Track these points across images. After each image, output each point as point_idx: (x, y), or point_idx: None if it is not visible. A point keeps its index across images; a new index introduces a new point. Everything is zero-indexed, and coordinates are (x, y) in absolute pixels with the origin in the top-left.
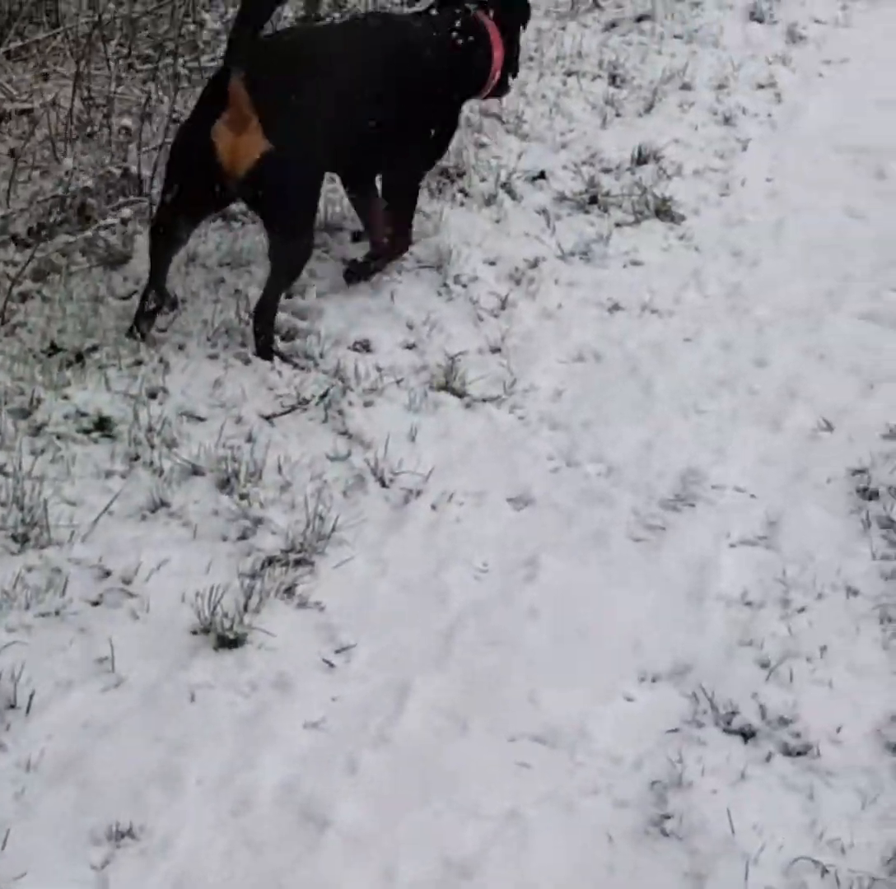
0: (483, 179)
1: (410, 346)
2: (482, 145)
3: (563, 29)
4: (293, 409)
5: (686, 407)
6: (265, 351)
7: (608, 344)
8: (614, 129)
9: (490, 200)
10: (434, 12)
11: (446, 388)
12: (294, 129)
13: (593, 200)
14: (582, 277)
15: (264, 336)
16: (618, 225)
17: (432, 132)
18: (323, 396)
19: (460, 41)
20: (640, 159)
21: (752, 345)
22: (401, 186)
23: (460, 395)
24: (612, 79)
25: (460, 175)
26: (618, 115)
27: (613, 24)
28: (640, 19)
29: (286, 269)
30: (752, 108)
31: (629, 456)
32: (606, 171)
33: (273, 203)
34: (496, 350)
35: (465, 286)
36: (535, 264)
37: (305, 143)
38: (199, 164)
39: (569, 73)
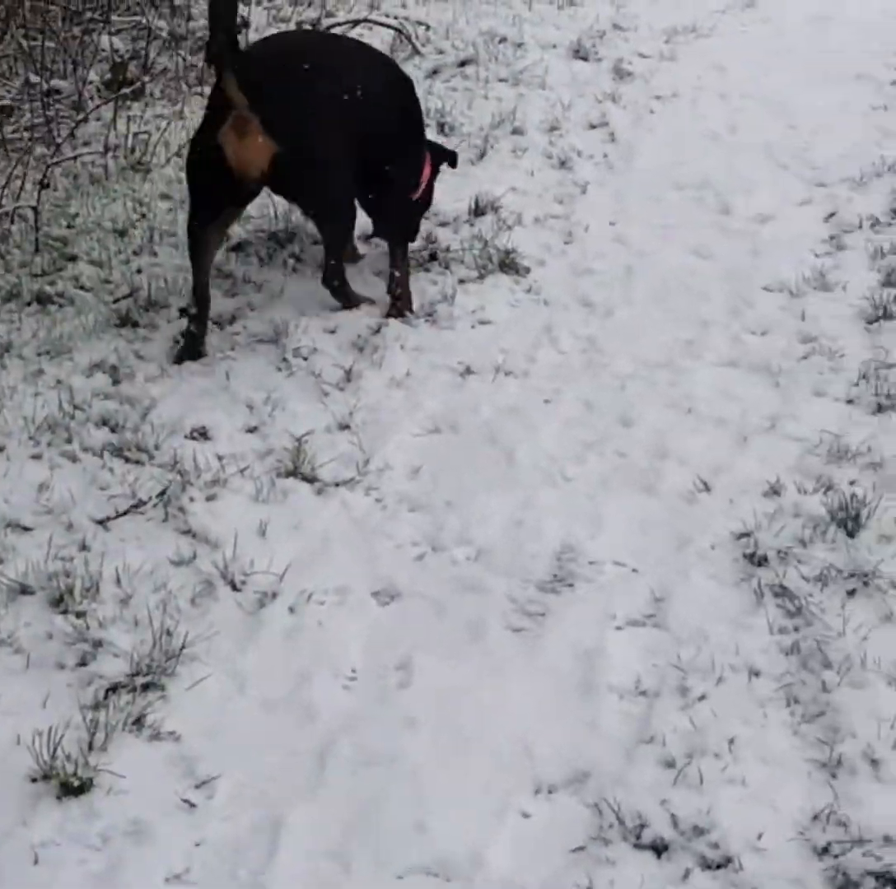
0: (315, 242)
1: (252, 430)
2: None
3: None
4: (129, 511)
5: (553, 475)
6: (350, 301)
7: (463, 411)
8: (448, 180)
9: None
10: None
11: (295, 473)
12: (297, 126)
13: (433, 257)
14: (429, 341)
15: (344, 296)
16: (462, 281)
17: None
18: (161, 494)
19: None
20: (478, 210)
21: (615, 402)
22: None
23: (311, 480)
24: (441, 127)
25: (291, 238)
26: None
27: (436, 71)
28: (463, 64)
29: (332, 241)
30: (586, 150)
31: (498, 535)
32: (444, 224)
33: (298, 197)
34: (345, 427)
35: (305, 359)
36: (377, 330)
37: (313, 135)
38: (214, 169)
39: None
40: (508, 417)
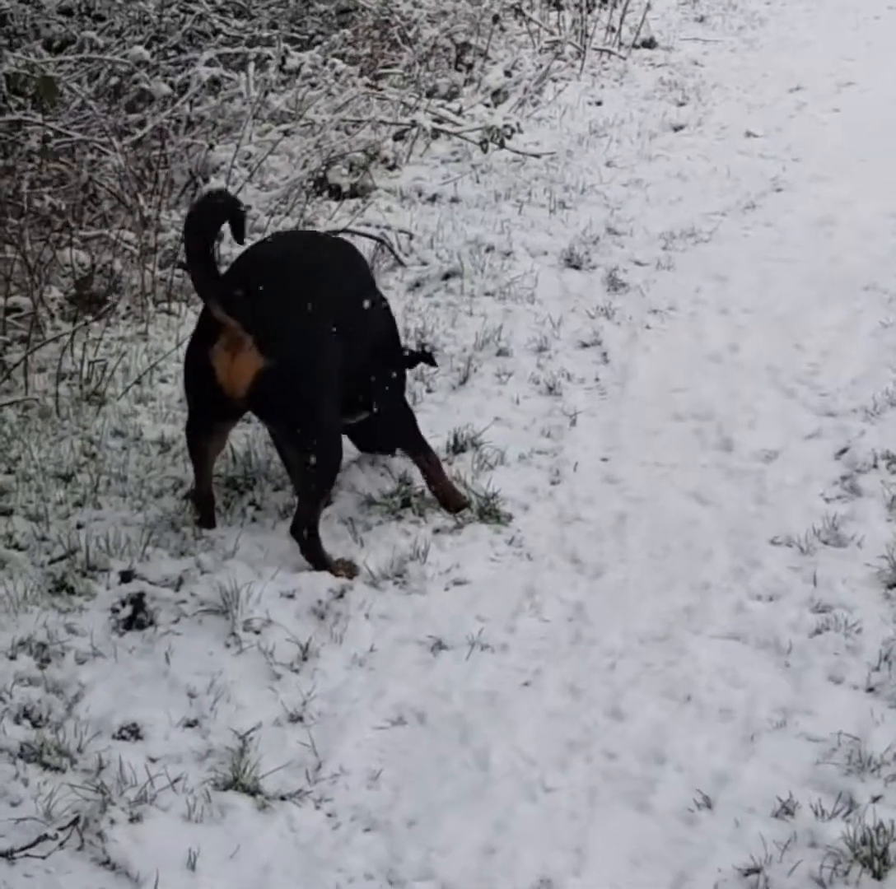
0: (278, 488)
1: (191, 724)
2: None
3: None
4: (38, 841)
5: (531, 785)
6: (318, 561)
7: (433, 698)
8: (426, 411)
9: (286, 512)
10: None
11: (235, 784)
12: (290, 341)
13: (406, 503)
14: (397, 607)
15: (312, 551)
16: (437, 531)
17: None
18: (74, 822)
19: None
20: (457, 446)
21: (604, 688)
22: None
23: (253, 792)
24: (421, 348)
25: (251, 484)
26: (429, 391)
27: (418, 284)
28: (447, 276)
29: (314, 478)
30: (577, 373)
31: (466, 868)
32: None
33: (281, 418)
34: (297, 719)
35: (258, 632)
36: (341, 594)
37: (305, 352)
38: (205, 385)
39: None
40: (483, 707)
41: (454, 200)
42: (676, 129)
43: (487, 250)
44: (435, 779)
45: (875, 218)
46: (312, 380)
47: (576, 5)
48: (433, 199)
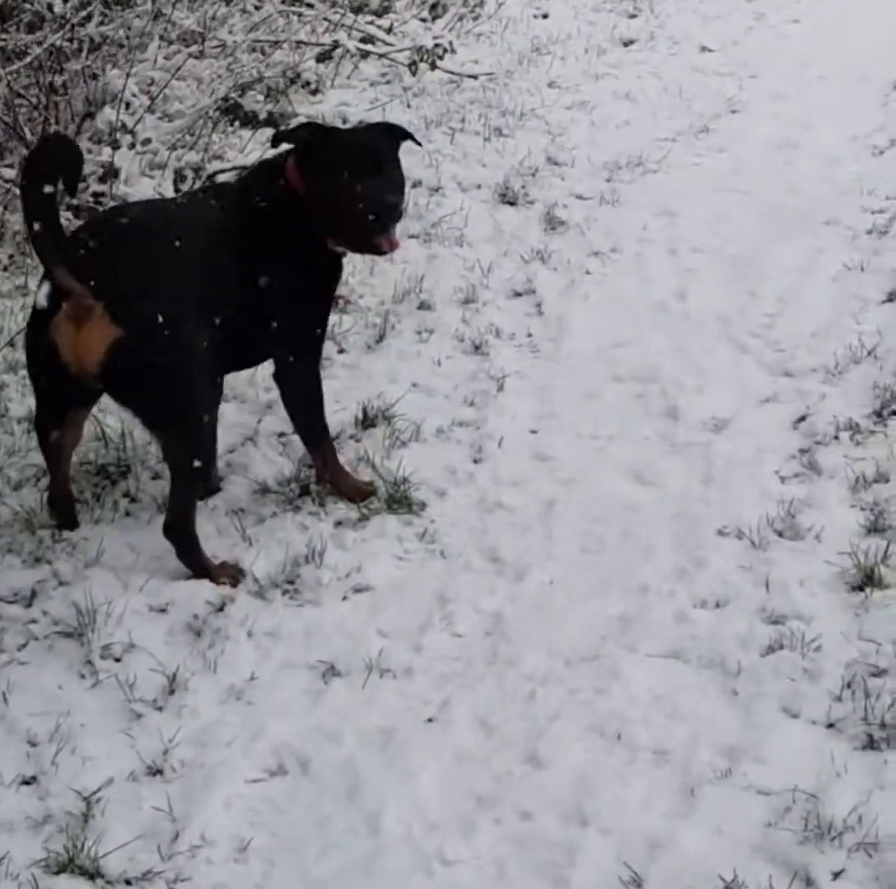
0: (156, 476)
1: (28, 781)
2: None
3: None
4: None
5: (428, 858)
6: (196, 566)
7: (319, 739)
8: (334, 376)
9: (165, 504)
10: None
11: (71, 865)
12: (148, 306)
13: (305, 490)
14: (286, 623)
15: (188, 555)
16: (339, 524)
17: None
18: None
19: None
20: (367, 421)
21: (522, 724)
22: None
23: (92, 875)
24: (336, 302)
25: (124, 473)
26: (341, 351)
27: None
28: None
29: (186, 470)
30: (507, 328)
31: None
32: None
33: (140, 398)
34: (156, 772)
35: (118, 660)
36: (220, 607)
37: (166, 318)
38: (49, 365)
39: None
40: (378, 750)
41: None
42: (626, 43)
43: (414, 186)
44: (315, 848)
45: (836, 142)
46: (176, 351)
47: None
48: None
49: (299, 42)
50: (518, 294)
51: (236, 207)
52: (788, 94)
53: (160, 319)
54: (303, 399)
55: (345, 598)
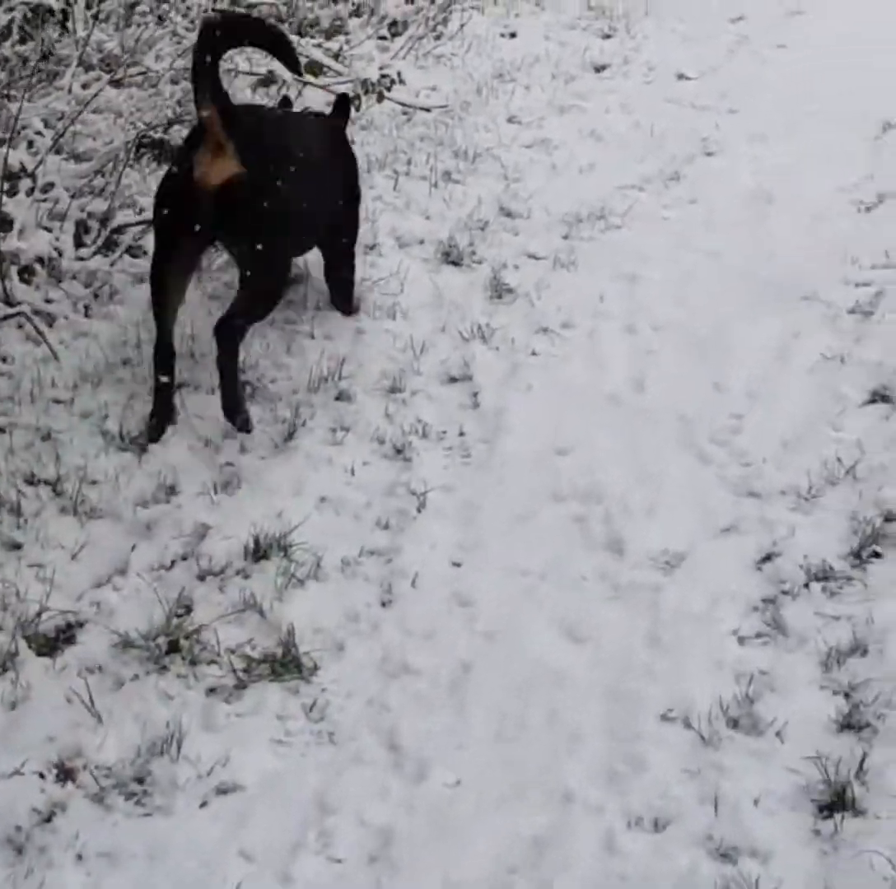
0: None
1: None
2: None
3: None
4: None
5: None
6: (233, 408)
7: None
8: (230, 490)
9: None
10: None
11: None
12: (265, 158)
13: (174, 646)
14: (127, 841)
15: (228, 354)
16: (211, 692)
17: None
18: None
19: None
20: (258, 552)
21: None
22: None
23: None
24: (242, 387)
25: None
26: (242, 451)
27: None
28: (290, 282)
29: (262, 299)
30: (437, 424)
31: None
32: (201, 578)
33: (245, 227)
34: None
35: None
36: (49, 818)
37: (276, 174)
38: (180, 195)
39: (181, 383)
40: None
41: None
42: (598, 69)
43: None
44: None
45: (819, 194)
46: (276, 200)
47: None
48: None
49: (234, 71)
50: (453, 380)
51: (333, 130)
52: (769, 134)
53: (271, 172)
54: (343, 281)
55: (204, 804)
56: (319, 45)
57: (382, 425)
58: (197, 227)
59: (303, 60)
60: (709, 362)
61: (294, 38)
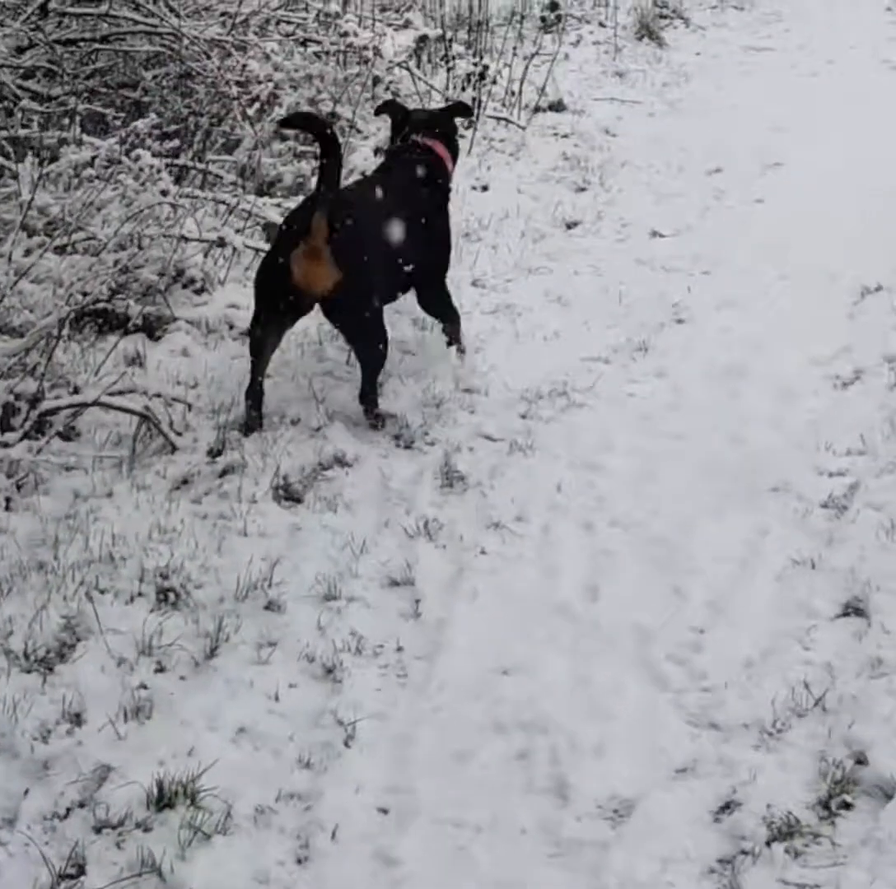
0: None
1: None
2: None
3: (109, 495)
4: None
5: None
6: (375, 418)
7: None
8: (140, 719)
9: None
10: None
11: None
12: (361, 261)
13: None
14: None
15: (372, 412)
16: None
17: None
18: None
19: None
20: (162, 800)
21: None
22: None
23: None
24: (165, 595)
25: None
26: (159, 670)
27: (186, 481)
28: (224, 472)
29: (371, 365)
30: (372, 638)
31: None
32: (98, 830)
33: (347, 320)
34: None
35: None
36: None
37: (370, 269)
38: (279, 284)
39: (100, 589)
40: None
41: None
42: (570, 226)
43: (294, 423)
44: None
45: (793, 369)
46: (371, 291)
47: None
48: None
49: (181, 237)
50: (394, 584)
51: (406, 177)
52: (742, 300)
53: (367, 272)
54: (444, 309)
55: None
56: (278, 205)
57: (313, 640)
58: (294, 312)
59: (260, 222)
60: (670, 566)
61: (251, 197)
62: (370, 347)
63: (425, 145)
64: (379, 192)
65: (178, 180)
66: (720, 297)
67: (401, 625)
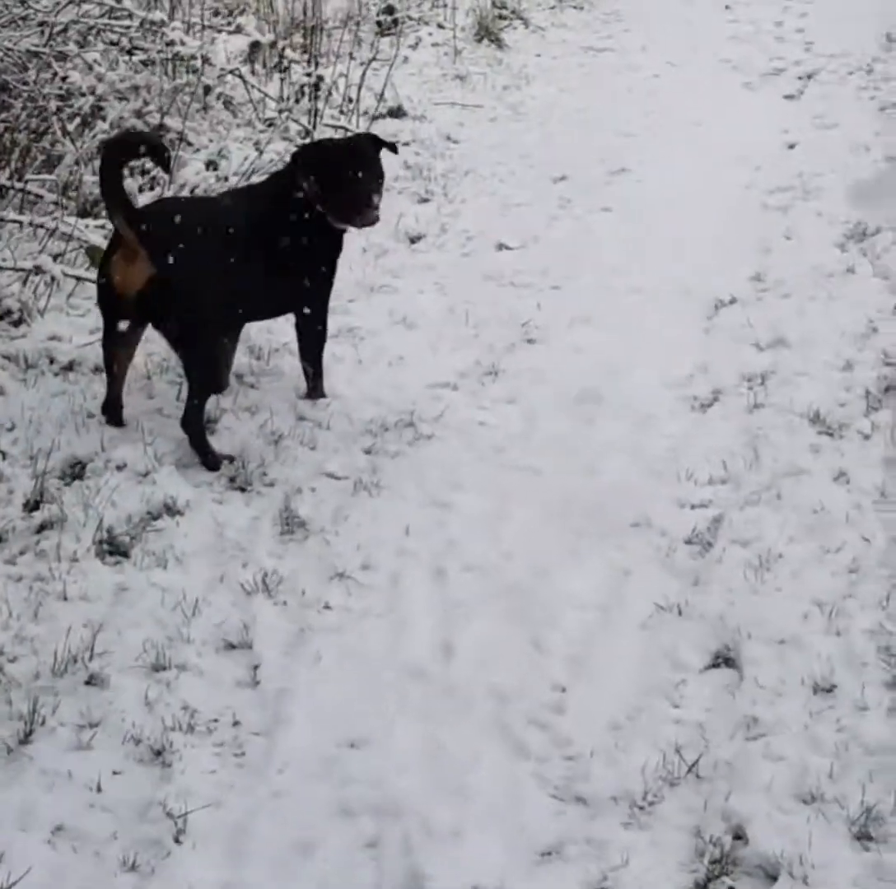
0: None
1: None
2: None
3: None
4: None
5: None
6: (204, 454)
7: None
8: None
9: None
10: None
11: None
12: (177, 257)
13: None
14: None
15: (199, 447)
16: None
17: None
18: None
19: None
20: None
21: None
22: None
23: None
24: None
25: None
26: None
27: (1, 539)
28: (43, 527)
29: (198, 381)
30: (207, 710)
31: None
32: None
33: (169, 324)
34: None
35: None
36: None
37: (189, 268)
38: (105, 291)
39: None
40: None
41: (99, 369)
42: (413, 240)
43: (119, 468)
44: None
45: (649, 391)
46: (192, 291)
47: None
48: (70, 367)
49: None
50: (231, 647)
51: (262, 203)
52: (594, 316)
53: (183, 267)
54: (314, 340)
55: None
56: (102, 227)
57: (140, 718)
58: (128, 320)
59: (85, 244)
60: (527, 616)
61: (72, 219)
62: (197, 359)
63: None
64: (227, 201)
65: None
66: (571, 314)
67: (237, 695)
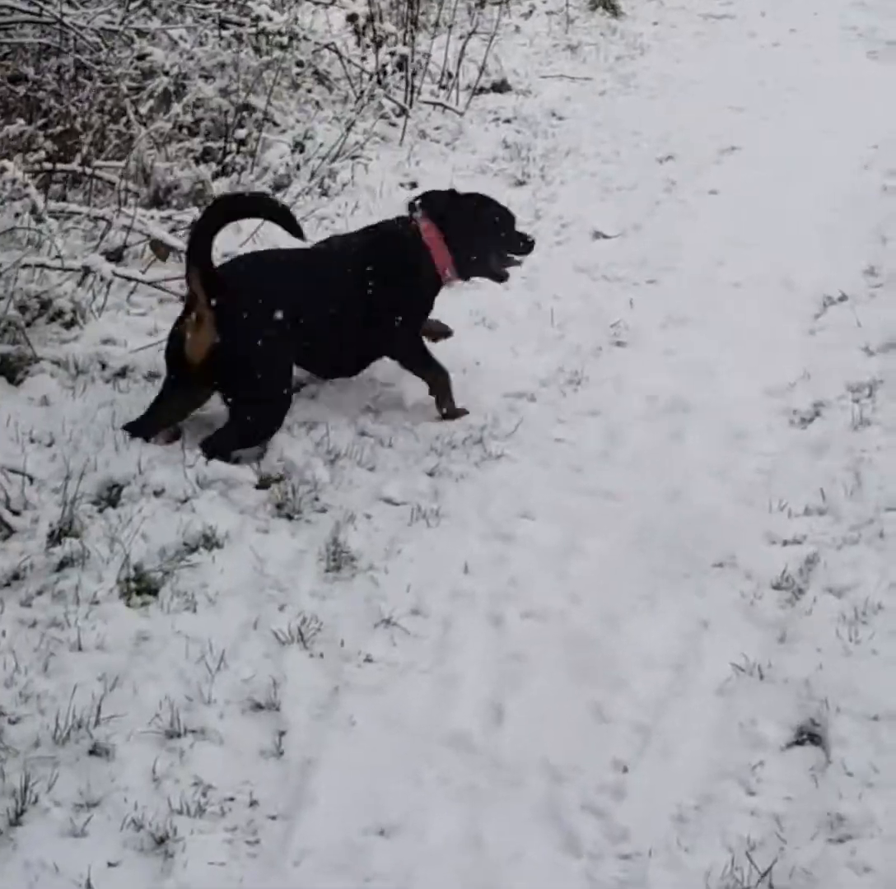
0: None
1: None
2: None
3: None
4: None
5: None
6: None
7: None
8: None
9: None
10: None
11: None
12: (242, 323)
13: None
14: None
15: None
16: None
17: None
18: None
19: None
20: None
21: None
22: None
23: None
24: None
25: None
26: None
27: (17, 576)
28: (63, 564)
29: (249, 429)
30: (223, 786)
31: None
32: None
33: (225, 390)
34: None
35: None
36: None
37: (254, 336)
38: (176, 357)
39: None
40: None
41: (153, 375)
42: None
43: (156, 494)
44: None
45: (744, 402)
46: (257, 359)
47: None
48: (122, 373)
49: (41, 265)
50: (257, 707)
51: (365, 256)
52: (690, 314)
53: (248, 336)
54: (423, 376)
55: None
56: (168, 218)
57: (144, 796)
58: (191, 384)
59: (148, 238)
60: (590, 674)
61: (132, 212)
62: (251, 416)
63: (413, 223)
64: (317, 258)
65: (63, 188)
66: (665, 312)
67: (258, 767)
